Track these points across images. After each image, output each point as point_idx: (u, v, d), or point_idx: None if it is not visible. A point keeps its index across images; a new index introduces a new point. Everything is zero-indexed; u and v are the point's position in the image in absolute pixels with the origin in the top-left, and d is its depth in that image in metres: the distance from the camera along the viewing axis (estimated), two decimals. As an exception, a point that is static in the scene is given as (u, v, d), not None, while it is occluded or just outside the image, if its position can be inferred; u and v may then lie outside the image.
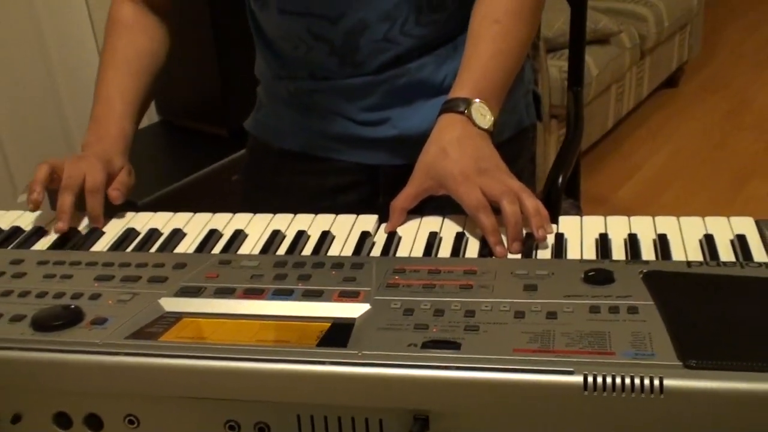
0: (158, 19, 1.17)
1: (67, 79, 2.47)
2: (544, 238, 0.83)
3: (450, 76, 1.09)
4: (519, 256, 0.81)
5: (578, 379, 0.58)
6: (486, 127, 0.95)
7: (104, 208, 0.98)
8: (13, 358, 0.67)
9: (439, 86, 1.08)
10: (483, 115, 0.95)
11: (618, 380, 0.57)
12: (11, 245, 0.91)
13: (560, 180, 1.37)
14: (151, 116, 2.56)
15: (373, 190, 1.19)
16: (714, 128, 3.07)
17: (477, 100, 0.96)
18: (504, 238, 0.84)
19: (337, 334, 0.66)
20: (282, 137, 1.22)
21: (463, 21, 1.08)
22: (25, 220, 0.98)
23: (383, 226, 0.91)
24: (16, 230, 0.95)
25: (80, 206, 0.98)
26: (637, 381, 0.57)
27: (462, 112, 0.95)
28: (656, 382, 0.57)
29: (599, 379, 0.58)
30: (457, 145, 0.92)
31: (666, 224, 0.85)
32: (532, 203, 0.86)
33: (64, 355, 0.65)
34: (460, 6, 1.07)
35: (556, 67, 2.35)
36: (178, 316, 0.71)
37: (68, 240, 0.92)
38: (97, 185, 0.97)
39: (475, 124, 0.94)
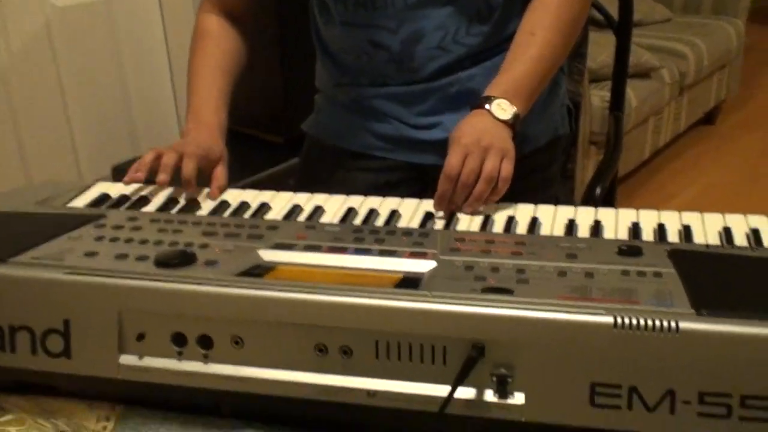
0: (238, 28, 1.33)
1: (140, 97, 2.65)
2: (469, 212, 1.01)
3: None
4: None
5: (609, 319, 0.70)
6: (505, 119, 1.10)
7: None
8: (140, 286, 0.80)
9: None
10: (504, 110, 1.11)
11: (642, 321, 0.70)
12: (123, 208, 1.06)
13: (597, 191, 1.49)
14: (212, 123, 2.72)
15: (421, 188, 1.33)
16: (748, 165, 3.17)
17: (500, 97, 1.12)
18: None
19: (410, 281, 0.79)
20: (340, 137, 1.36)
21: (506, 35, 1.23)
22: (129, 190, 1.12)
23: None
24: (124, 197, 1.10)
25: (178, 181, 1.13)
26: (657, 323, 0.70)
27: (484, 107, 1.11)
28: (673, 324, 0.69)
29: (626, 320, 0.70)
30: (470, 125, 1.09)
31: (690, 218, 0.98)
32: (480, 188, 1.02)
33: (184, 286, 0.79)
34: (504, 20, 1.23)
35: (599, 96, 2.48)
36: (275, 265, 0.85)
37: (170, 206, 1.07)
38: (193, 153, 1.11)
39: (494, 117, 1.10)
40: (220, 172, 1.15)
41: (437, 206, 1.02)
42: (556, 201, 1.61)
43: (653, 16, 3.23)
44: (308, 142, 1.45)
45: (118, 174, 2.47)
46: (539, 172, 1.37)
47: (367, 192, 1.08)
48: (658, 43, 3.01)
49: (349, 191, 1.09)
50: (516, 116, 1.12)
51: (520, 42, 1.19)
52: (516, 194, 1.06)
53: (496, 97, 1.12)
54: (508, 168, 1.06)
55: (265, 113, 2.62)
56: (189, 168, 1.09)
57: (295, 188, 1.40)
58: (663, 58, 2.86)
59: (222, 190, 1.12)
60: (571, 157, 1.62)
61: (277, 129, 2.57)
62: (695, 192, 2.97)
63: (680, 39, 3.06)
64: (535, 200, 1.04)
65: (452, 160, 1.05)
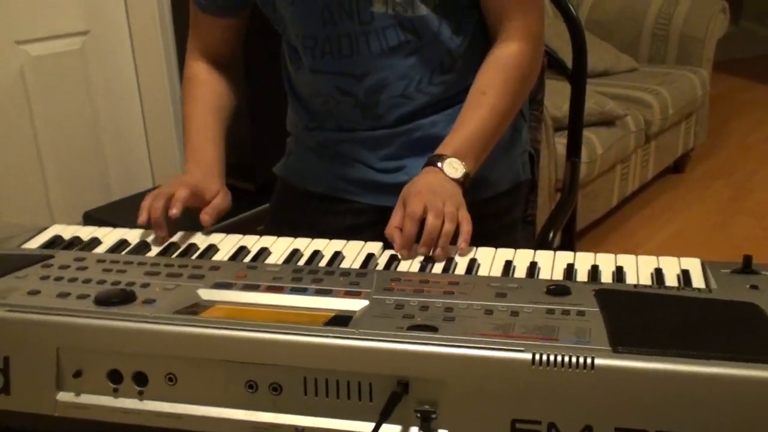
0: (225, 73, 1.38)
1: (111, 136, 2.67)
2: (440, 257, 1.01)
3: None
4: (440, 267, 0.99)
5: (527, 356, 0.73)
6: (456, 177, 1.14)
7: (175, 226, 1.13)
8: (78, 324, 0.82)
9: None
10: (455, 168, 1.15)
11: (559, 358, 0.72)
12: (74, 249, 1.08)
13: (551, 235, 1.52)
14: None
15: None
16: (715, 213, 3.22)
17: (452, 156, 1.15)
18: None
19: (340, 319, 0.81)
20: (308, 180, 1.40)
21: (468, 84, 1.27)
22: (84, 232, 1.14)
23: (386, 252, 1.06)
24: (76, 239, 1.12)
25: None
26: (573, 359, 0.72)
27: (437, 165, 1.15)
28: (588, 361, 0.72)
29: (544, 357, 0.72)
30: (424, 181, 1.13)
31: (625, 260, 1.00)
32: (448, 227, 1.04)
33: (120, 323, 0.81)
34: (465, 69, 1.26)
35: (562, 144, 2.52)
36: (212, 303, 0.87)
37: (120, 248, 1.09)
38: (177, 197, 1.13)
39: (446, 175, 1.14)
40: (214, 203, 1.19)
41: (404, 250, 1.03)
42: (516, 246, 1.64)
43: (619, 66, 3.31)
44: (278, 185, 1.48)
45: (89, 220, 2.48)
46: (500, 216, 1.40)
47: (333, 235, 1.10)
48: (624, 92, 3.07)
49: (316, 234, 1.11)
50: (466, 175, 1.15)
51: (471, 101, 1.23)
52: (477, 238, 1.07)
53: (447, 156, 1.16)
54: (465, 214, 1.09)
55: (235, 160, 2.64)
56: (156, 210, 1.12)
57: (265, 231, 1.43)
58: (628, 106, 2.92)
59: (211, 217, 1.16)
60: (531, 203, 1.65)
61: (249, 176, 2.60)
62: (663, 240, 3.01)
63: (645, 88, 3.12)
64: (496, 244, 1.06)
65: (413, 207, 1.07)
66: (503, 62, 1.23)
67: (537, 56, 1.28)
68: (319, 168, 1.38)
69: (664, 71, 3.35)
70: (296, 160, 1.43)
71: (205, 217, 1.16)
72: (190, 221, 1.16)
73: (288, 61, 1.36)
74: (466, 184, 1.16)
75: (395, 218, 1.08)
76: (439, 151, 1.18)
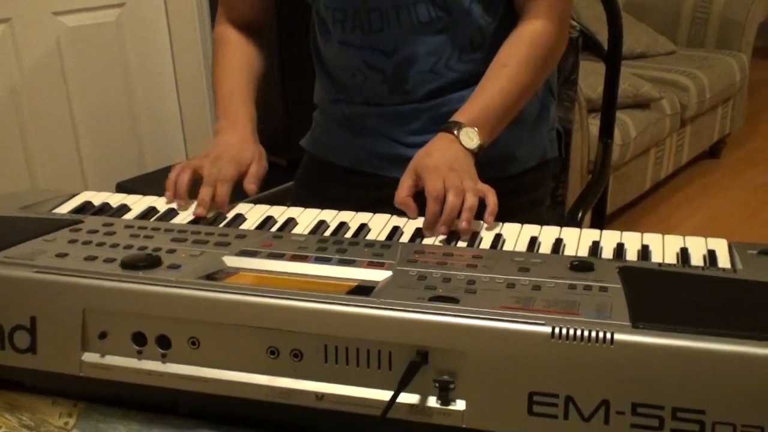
0: (254, 38, 1.38)
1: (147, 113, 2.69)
2: (466, 231, 1.00)
3: None
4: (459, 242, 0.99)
5: (547, 329, 0.73)
6: (471, 148, 1.13)
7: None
8: (104, 287, 0.83)
9: None
10: (471, 138, 1.13)
11: (578, 332, 0.72)
12: (103, 215, 1.09)
13: (579, 215, 1.51)
14: (218, 143, 2.77)
15: None
16: (750, 199, 3.17)
17: (468, 125, 1.13)
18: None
19: (363, 289, 0.81)
20: (335, 154, 1.40)
21: None
22: (113, 199, 1.16)
23: (412, 225, 1.06)
24: (105, 205, 1.13)
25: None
26: (593, 334, 0.72)
27: (453, 132, 1.13)
28: (608, 336, 0.71)
29: (564, 331, 0.72)
30: (440, 151, 1.11)
31: (651, 239, 0.99)
32: (471, 201, 1.02)
33: (146, 287, 0.82)
34: (495, 48, 1.25)
35: (597, 125, 2.50)
36: (236, 270, 0.87)
37: (148, 215, 1.10)
38: (228, 177, 1.15)
39: (461, 144, 1.12)
40: (252, 171, 1.20)
41: (428, 230, 1.02)
42: (540, 224, 1.64)
43: (656, 49, 3.26)
44: (305, 159, 1.49)
45: (122, 191, 2.51)
46: (527, 193, 1.40)
47: (358, 208, 1.10)
48: (660, 75, 3.03)
49: (342, 208, 1.11)
50: (480, 147, 1.15)
51: (492, 73, 1.22)
52: (503, 215, 1.06)
53: (464, 125, 1.15)
54: (484, 185, 1.08)
55: (266, 136, 2.65)
56: (223, 194, 1.13)
57: (290, 203, 1.44)
58: (664, 89, 2.88)
59: (256, 185, 1.18)
60: (561, 183, 1.65)
61: (281, 151, 2.60)
62: (696, 225, 2.98)
63: (682, 71, 3.08)
64: (522, 221, 1.06)
65: (434, 184, 1.06)
66: (527, 38, 1.22)
67: (562, 36, 1.26)
68: (345, 141, 1.38)
69: (702, 55, 3.30)
70: (322, 132, 1.43)
71: (251, 186, 1.17)
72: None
73: (317, 32, 1.36)
74: (479, 156, 1.15)
75: (405, 186, 1.08)
76: (455, 118, 1.17)
